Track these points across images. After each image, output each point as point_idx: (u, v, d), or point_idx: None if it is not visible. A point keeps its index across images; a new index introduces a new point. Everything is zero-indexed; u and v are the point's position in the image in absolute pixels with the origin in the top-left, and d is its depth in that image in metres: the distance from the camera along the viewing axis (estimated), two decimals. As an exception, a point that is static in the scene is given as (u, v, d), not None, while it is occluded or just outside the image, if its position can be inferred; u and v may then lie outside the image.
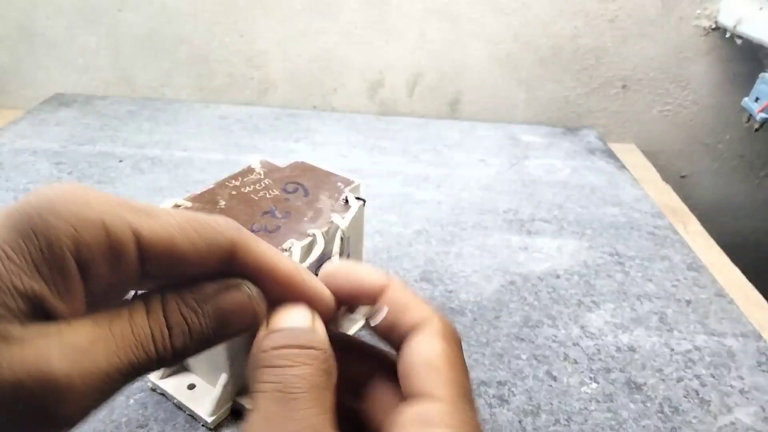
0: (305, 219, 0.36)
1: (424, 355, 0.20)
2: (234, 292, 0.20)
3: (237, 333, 0.21)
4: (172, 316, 0.19)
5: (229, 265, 0.21)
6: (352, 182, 0.41)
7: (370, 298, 0.22)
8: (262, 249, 0.22)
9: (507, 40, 0.84)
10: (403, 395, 0.20)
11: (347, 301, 0.23)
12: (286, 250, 0.33)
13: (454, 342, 0.21)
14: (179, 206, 0.36)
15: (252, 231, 0.34)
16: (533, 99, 0.89)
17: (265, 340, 0.20)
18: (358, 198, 0.40)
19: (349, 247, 0.40)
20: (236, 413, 0.38)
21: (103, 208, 0.18)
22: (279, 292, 0.21)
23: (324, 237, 0.35)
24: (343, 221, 0.37)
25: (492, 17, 0.83)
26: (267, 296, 0.21)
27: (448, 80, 0.88)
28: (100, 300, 0.19)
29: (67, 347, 0.16)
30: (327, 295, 0.22)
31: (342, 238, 0.37)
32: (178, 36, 0.85)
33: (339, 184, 0.40)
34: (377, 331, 0.22)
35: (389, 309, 0.21)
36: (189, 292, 0.20)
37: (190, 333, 0.19)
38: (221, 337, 0.20)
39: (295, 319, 0.20)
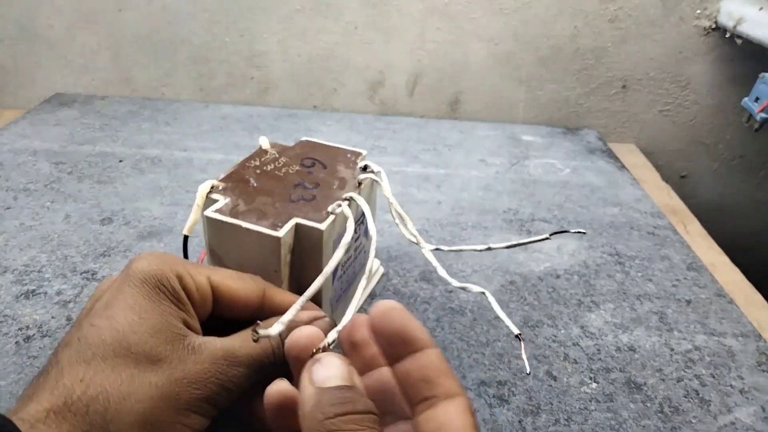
0: (334, 187, 0.39)
1: (460, 424, 0.22)
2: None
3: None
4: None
5: (261, 307, 0.31)
6: (360, 153, 0.44)
7: (407, 350, 0.24)
8: (280, 292, 0.32)
9: (507, 40, 0.84)
10: None
11: (383, 340, 0.24)
12: (332, 213, 0.36)
13: (475, 420, 0.23)
14: (215, 186, 0.38)
15: (292, 202, 0.37)
16: (533, 99, 0.89)
17: (330, 406, 0.21)
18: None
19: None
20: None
21: (187, 266, 0.29)
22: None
23: (364, 199, 0.38)
24: (387, 189, 0.40)
25: (492, 17, 0.83)
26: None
27: (448, 80, 0.88)
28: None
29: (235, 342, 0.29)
30: (327, 322, 0.31)
31: (393, 209, 0.40)
32: (178, 36, 0.85)
33: (349, 155, 0.44)
34: (404, 379, 0.24)
35: (430, 368, 0.23)
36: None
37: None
38: None
39: (339, 374, 0.22)
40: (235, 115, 0.83)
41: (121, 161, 0.68)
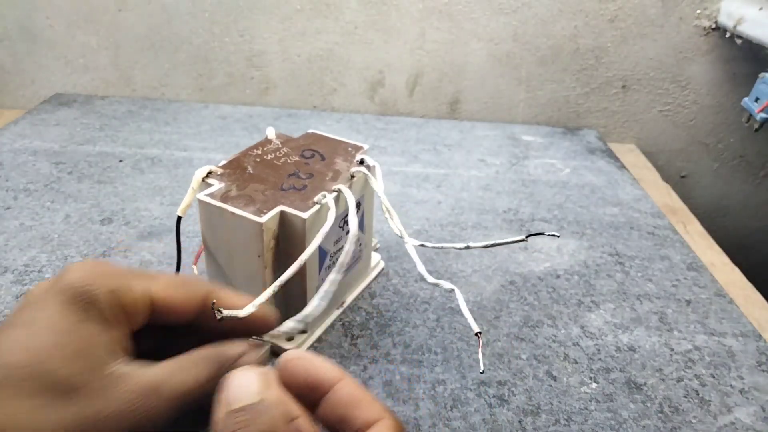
0: (327, 178, 0.40)
1: None
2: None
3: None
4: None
5: (202, 312, 0.29)
6: (362, 147, 0.45)
7: (318, 394, 0.23)
8: (230, 293, 0.30)
9: (507, 40, 0.84)
10: None
11: (294, 392, 0.23)
12: (317, 203, 0.37)
13: None
14: (213, 172, 0.39)
15: (282, 190, 0.38)
16: (533, 99, 0.89)
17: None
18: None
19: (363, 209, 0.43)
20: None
21: (124, 278, 0.27)
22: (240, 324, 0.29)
23: (351, 192, 0.39)
24: (378, 184, 0.41)
25: (492, 17, 0.83)
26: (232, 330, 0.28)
27: (447, 80, 0.88)
28: None
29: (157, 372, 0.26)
30: (270, 317, 0.30)
31: (385, 206, 0.41)
32: (178, 36, 0.85)
33: (350, 149, 0.44)
34: (326, 423, 0.23)
35: (342, 403, 0.23)
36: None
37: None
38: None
39: (247, 393, 0.21)
40: (235, 115, 0.83)
41: (121, 161, 0.68)
